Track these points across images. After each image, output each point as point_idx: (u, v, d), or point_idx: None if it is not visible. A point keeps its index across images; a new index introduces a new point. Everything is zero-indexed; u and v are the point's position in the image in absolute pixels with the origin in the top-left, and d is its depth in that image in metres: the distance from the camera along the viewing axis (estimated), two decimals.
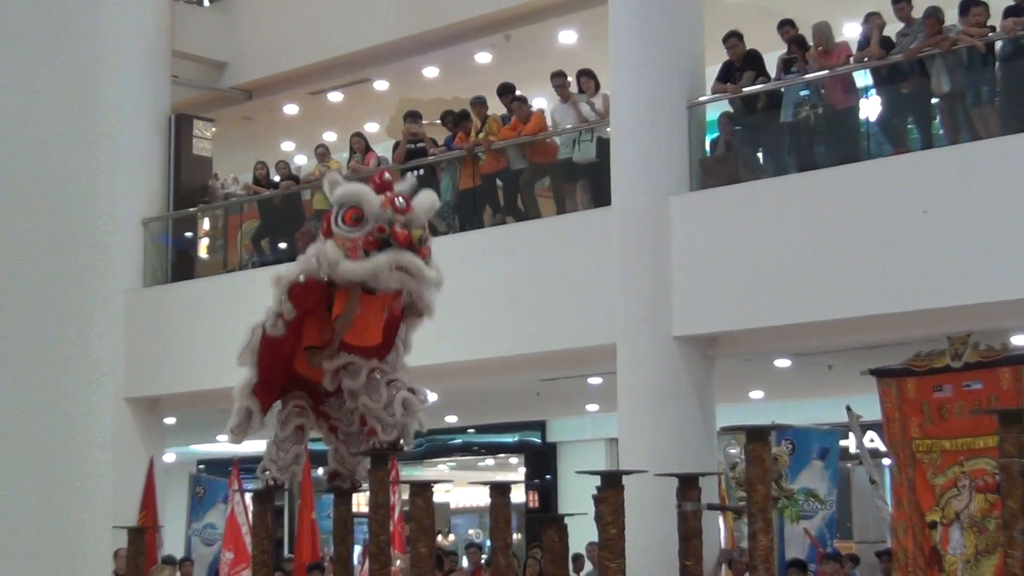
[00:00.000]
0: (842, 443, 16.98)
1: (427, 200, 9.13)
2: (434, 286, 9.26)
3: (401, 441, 9.53)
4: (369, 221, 8.70)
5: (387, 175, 9.16)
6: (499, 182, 17.30)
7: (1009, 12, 13.83)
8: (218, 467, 25.36)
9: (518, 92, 17.52)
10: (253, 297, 18.51)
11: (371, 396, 9.32)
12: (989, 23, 13.97)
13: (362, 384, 9.32)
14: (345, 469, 10.14)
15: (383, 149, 19.94)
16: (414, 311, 9.67)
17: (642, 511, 10.40)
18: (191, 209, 20.65)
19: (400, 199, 8.83)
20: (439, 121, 18.46)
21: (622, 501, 8.78)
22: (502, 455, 29.01)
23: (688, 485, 9.04)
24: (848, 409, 13.97)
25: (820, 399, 20.00)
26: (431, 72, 20.93)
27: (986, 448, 11.50)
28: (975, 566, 12.43)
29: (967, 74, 14.08)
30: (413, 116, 18.55)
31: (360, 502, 11.43)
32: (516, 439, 27.29)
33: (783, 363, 17.75)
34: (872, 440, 16.61)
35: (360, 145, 18.99)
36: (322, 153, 19.62)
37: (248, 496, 16.49)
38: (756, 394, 20.82)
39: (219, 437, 26.64)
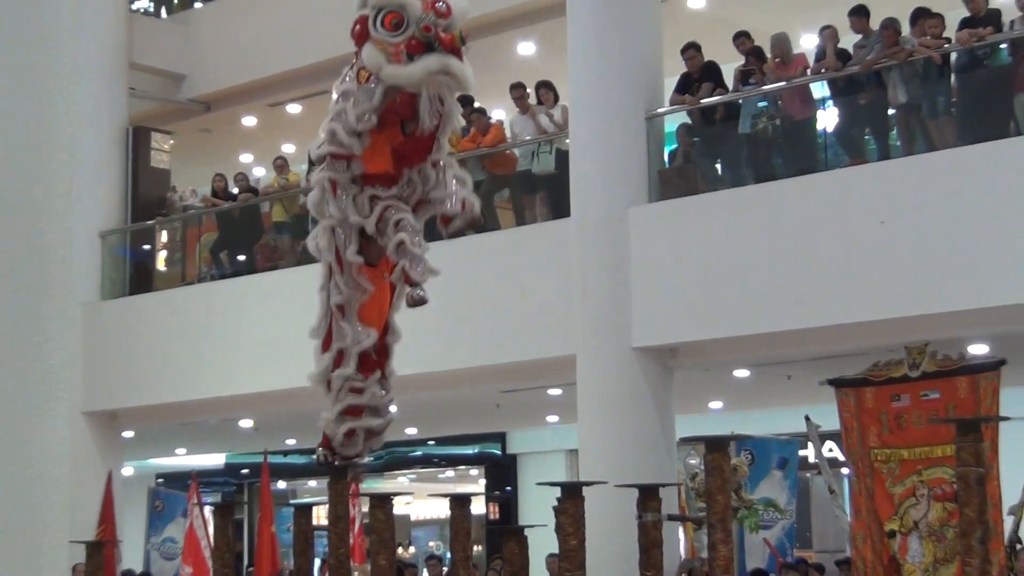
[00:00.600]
0: (801, 453, 17.03)
1: (462, 3, 8.67)
2: (470, 90, 8.98)
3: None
4: (411, 25, 8.33)
5: None
6: None
7: (964, 23, 13.94)
8: (177, 481, 25.23)
9: (477, 104, 17.52)
10: (211, 309, 18.68)
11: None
12: (945, 34, 14.07)
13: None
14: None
15: None
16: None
17: (602, 522, 10.40)
18: (149, 222, 20.54)
19: (441, 3, 8.41)
20: None
21: (582, 512, 8.79)
22: (462, 467, 28.98)
23: (648, 496, 9.04)
24: (807, 419, 14.01)
25: (779, 409, 20.04)
26: None
27: (944, 457, 11.55)
28: (934, 574, 12.49)
29: (923, 85, 14.17)
30: None
31: (320, 515, 11.40)
32: (476, 451, 27.27)
33: (742, 373, 17.80)
34: (831, 450, 16.66)
35: None
36: (281, 165, 19.58)
37: (207, 510, 16.46)
38: (715, 404, 20.87)
39: (178, 450, 26.60)
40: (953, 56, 14.01)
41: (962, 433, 7.11)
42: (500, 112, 18.25)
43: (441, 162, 9.10)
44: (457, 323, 16.13)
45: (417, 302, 9.10)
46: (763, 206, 14.43)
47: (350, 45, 20.58)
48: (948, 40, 14.00)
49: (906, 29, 14.29)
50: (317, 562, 13.53)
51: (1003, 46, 13.98)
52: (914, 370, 12.69)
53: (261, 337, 17.65)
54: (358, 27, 8.67)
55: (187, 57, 21.69)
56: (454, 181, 9.19)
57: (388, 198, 8.82)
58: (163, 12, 23.64)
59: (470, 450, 27.38)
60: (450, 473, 29.88)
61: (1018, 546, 12.68)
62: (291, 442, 26.28)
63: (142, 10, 23.30)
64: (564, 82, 15.98)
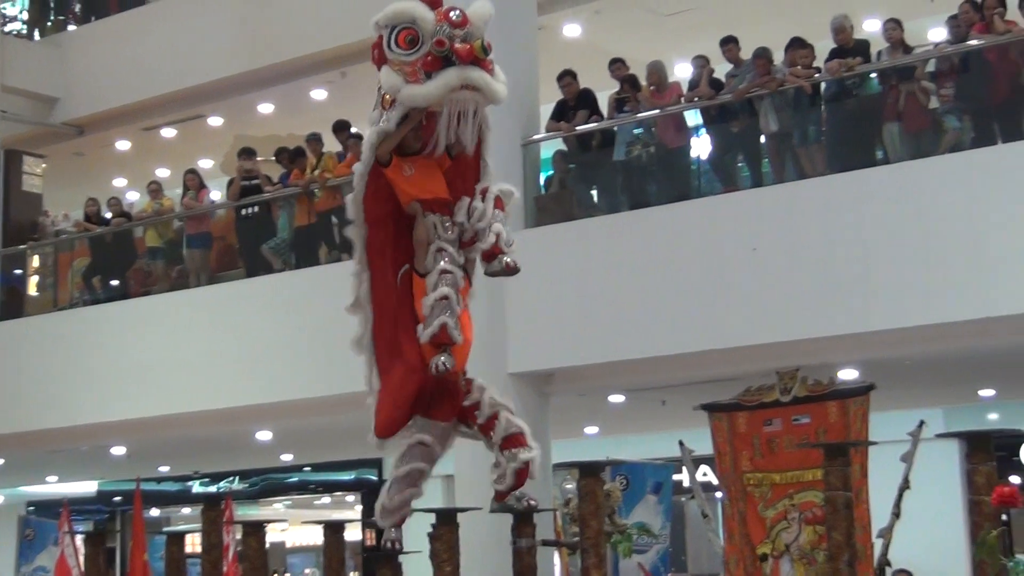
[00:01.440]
0: (675, 477, 17.13)
1: (482, 8, 8.15)
2: (501, 101, 8.23)
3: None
4: (426, 40, 7.74)
5: None
6: (335, 219, 17.24)
7: (834, 54, 14.17)
8: (48, 509, 24.83)
9: (354, 129, 17.49)
10: (84, 335, 18.44)
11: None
12: (815, 64, 14.29)
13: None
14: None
15: (217, 185, 19.78)
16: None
17: (477, 548, 10.39)
18: (21, 246, 20.30)
19: (455, 12, 7.88)
20: (274, 158, 18.34)
21: (457, 538, 8.79)
22: (339, 493, 28.79)
23: (523, 522, 9.06)
24: (681, 444, 14.11)
25: (654, 434, 20.14)
26: (266, 108, 20.83)
27: (815, 481, 11.66)
28: None
29: (794, 114, 14.39)
30: (247, 153, 18.44)
31: (193, 543, 11.29)
32: (353, 477, 27.14)
33: (617, 399, 17.89)
34: (705, 474, 16.83)
35: (194, 182, 18.80)
36: (155, 189, 19.40)
37: (79, 538, 16.22)
38: (591, 429, 20.96)
39: (49, 478, 26.17)
40: (823, 86, 14.24)
41: (830, 457, 7.22)
42: None
43: (488, 190, 8.60)
44: (336, 348, 15.92)
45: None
46: (638, 232, 14.54)
47: (225, 69, 20.54)
48: (818, 70, 14.23)
49: (779, 58, 14.50)
50: None
51: (872, 76, 14.24)
52: (785, 395, 12.85)
53: (134, 363, 17.46)
54: (376, 51, 8.08)
55: (60, 80, 21.45)
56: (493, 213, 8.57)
57: (446, 240, 8.29)
58: (36, 34, 23.35)
59: (346, 476, 27.24)
60: (326, 499, 29.69)
61: (888, 569, 12.84)
62: (164, 469, 26.01)
63: (14, 32, 23.02)
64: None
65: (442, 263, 8.19)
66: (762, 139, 14.72)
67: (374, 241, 8.50)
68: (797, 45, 14.41)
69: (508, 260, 8.48)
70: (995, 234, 12.46)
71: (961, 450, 7.34)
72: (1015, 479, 21.49)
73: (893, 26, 14.18)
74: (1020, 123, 13.39)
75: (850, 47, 14.24)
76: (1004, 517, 6.64)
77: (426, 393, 8.69)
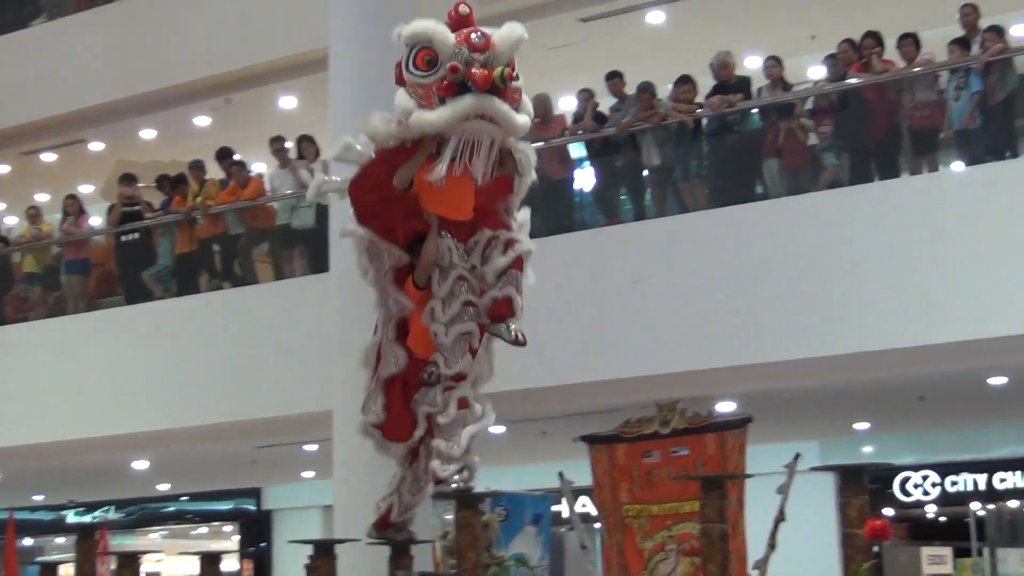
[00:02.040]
0: (555, 508, 17.15)
1: (510, 32, 7.72)
2: (521, 134, 7.87)
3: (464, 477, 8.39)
4: (444, 63, 7.34)
5: (463, 7, 7.69)
6: (216, 247, 17.13)
7: (715, 90, 14.32)
8: None
9: (237, 156, 17.40)
10: None
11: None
12: (697, 100, 14.43)
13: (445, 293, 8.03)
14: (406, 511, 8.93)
15: (98, 211, 19.56)
16: (507, 168, 8.19)
17: None
18: None
19: (477, 34, 7.44)
20: (155, 184, 18.17)
21: (335, 570, 8.77)
22: (216, 523, 28.56)
23: (400, 553, 9.06)
24: (560, 475, 14.14)
25: (534, 465, 20.21)
26: (148, 134, 20.64)
27: (692, 513, 11.74)
28: None
29: (676, 148, 14.51)
30: (128, 179, 18.26)
31: (67, 573, 11.13)
32: (231, 506, 26.93)
33: (498, 429, 17.87)
34: (584, 505, 16.84)
35: (74, 207, 18.58)
36: (33, 214, 19.13)
37: None
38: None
39: None
40: (705, 121, 14.38)
41: (706, 490, 7.29)
42: (260, 165, 18.14)
43: (511, 244, 8.32)
44: (214, 377, 15.94)
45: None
46: None
47: (107, 94, 20.27)
48: (700, 105, 14.37)
49: (663, 93, 14.63)
50: None
51: (752, 112, 14.41)
52: (664, 427, 12.94)
53: (9, 390, 17.18)
54: (397, 69, 7.74)
55: None
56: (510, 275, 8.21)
57: (463, 268, 8.08)
58: None
59: (224, 506, 27.03)
60: (203, 529, 29.43)
61: None
62: (38, 498, 25.63)
63: None
64: (326, 136, 15.94)
65: (465, 294, 8.07)
66: (644, 173, 14.84)
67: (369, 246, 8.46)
68: (680, 81, 14.56)
69: (516, 331, 8.35)
70: (871, 270, 12.64)
71: (835, 483, 7.41)
72: (888, 512, 21.81)
73: (773, 63, 14.38)
74: (897, 161, 13.64)
75: (731, 83, 14.41)
76: (875, 549, 6.73)
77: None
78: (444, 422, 8.35)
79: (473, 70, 7.26)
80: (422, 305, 8.14)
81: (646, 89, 14.62)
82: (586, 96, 15.34)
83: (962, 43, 13.51)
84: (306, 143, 16.68)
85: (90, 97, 19.33)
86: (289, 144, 16.84)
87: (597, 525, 14.78)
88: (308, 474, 22.74)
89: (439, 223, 7.88)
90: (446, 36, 7.39)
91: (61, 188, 20.58)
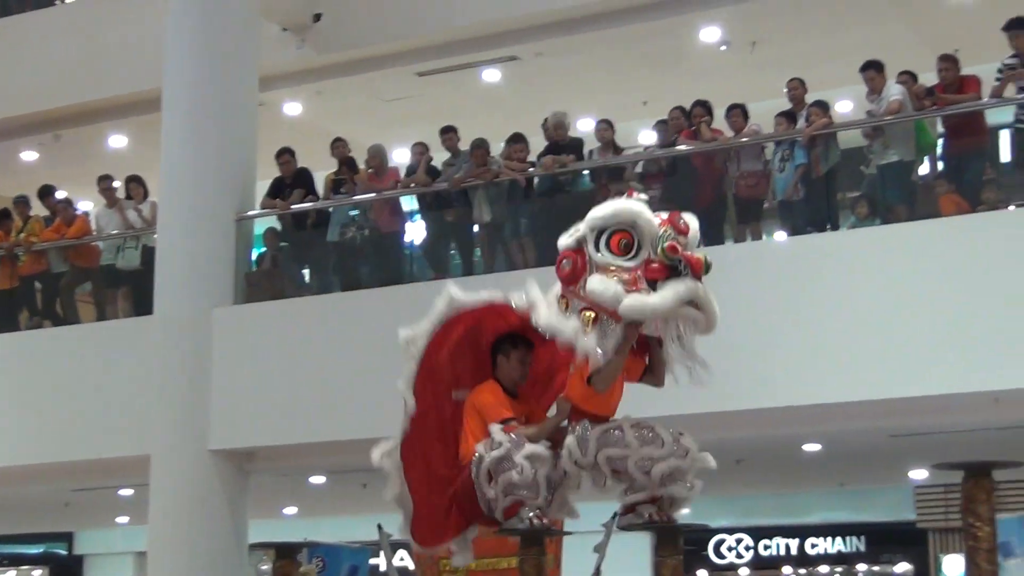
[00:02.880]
0: (372, 561, 17.10)
1: (695, 221, 7.01)
2: (713, 330, 7.14)
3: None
4: (645, 246, 6.71)
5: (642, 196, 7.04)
6: (38, 284, 16.86)
7: (548, 150, 14.46)
8: None
9: (61, 194, 17.19)
10: None
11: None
12: (529, 159, 14.55)
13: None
14: None
15: None
16: (652, 378, 7.43)
17: None
18: None
19: (681, 219, 6.85)
20: None
21: None
22: (25, 567, 27.88)
23: None
24: (379, 527, 14.05)
25: (354, 516, 20.07)
26: None
27: (510, 569, 11.76)
28: None
29: (508, 206, 14.59)
30: None
31: None
32: (41, 550, 26.36)
33: (318, 479, 17.81)
34: (402, 559, 16.78)
35: None
36: None
37: None
38: (290, 510, 20.79)
39: None
40: (536, 180, 14.49)
41: (525, 546, 7.32)
42: (87, 203, 17.90)
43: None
44: (29, 417, 15.66)
45: None
46: (348, 314, 14.54)
47: None
48: (533, 164, 14.49)
49: (496, 150, 14.73)
50: None
51: (584, 173, 14.57)
52: None
53: None
54: (567, 263, 6.87)
55: None
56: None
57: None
58: None
59: (34, 549, 26.45)
60: (12, 573, 28.72)
61: None
62: None
63: None
64: (155, 177, 15.81)
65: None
66: (475, 228, 14.90)
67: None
68: (513, 139, 14.68)
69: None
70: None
71: (651, 543, 7.51)
72: (701, 574, 22.06)
73: (605, 126, 14.56)
74: (722, 228, 13.84)
75: (564, 144, 14.56)
76: None
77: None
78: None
79: (688, 253, 6.68)
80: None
81: (480, 145, 14.69)
82: (420, 150, 15.39)
83: (788, 116, 13.82)
84: (134, 183, 16.53)
85: None
86: (117, 183, 16.65)
87: None
88: (123, 519, 22.37)
89: (575, 413, 7.08)
90: (652, 217, 6.77)
91: None
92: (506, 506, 6.96)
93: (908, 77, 13.39)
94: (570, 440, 6.91)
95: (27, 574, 27.94)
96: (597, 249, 6.73)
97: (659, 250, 6.59)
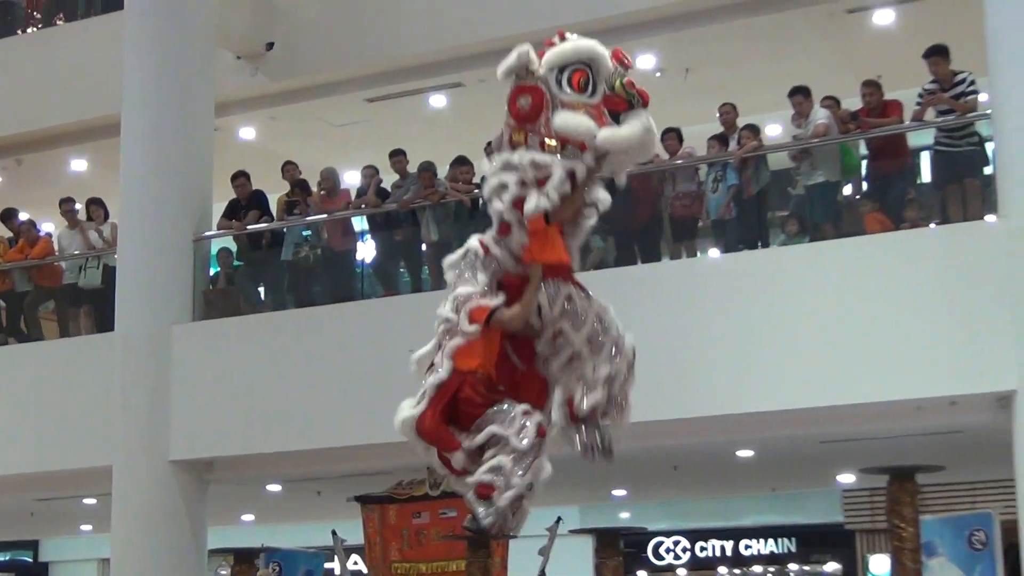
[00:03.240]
0: (327, 565, 17.06)
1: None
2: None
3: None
4: (601, 82, 6.64)
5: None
6: (2, 303, 16.76)
7: None
8: None
9: (27, 216, 17.09)
10: None
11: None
12: (474, 180, 14.57)
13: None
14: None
15: None
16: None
17: None
18: None
19: (626, 55, 6.72)
20: None
21: None
22: None
23: None
24: (333, 534, 14.09)
25: (309, 523, 20.03)
26: None
27: (458, 572, 11.81)
28: None
29: (454, 225, 14.60)
30: None
31: None
32: (7, 558, 26.13)
33: (274, 488, 17.73)
34: (356, 563, 16.78)
35: None
36: None
37: None
38: (248, 517, 20.68)
39: None
40: (481, 200, 14.49)
41: (473, 550, 7.35)
42: (49, 225, 17.79)
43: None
44: None
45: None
46: (301, 330, 14.52)
47: None
48: (478, 186, 14.50)
49: (443, 173, 14.74)
50: None
51: None
52: (435, 489, 12.98)
53: None
54: (529, 98, 6.76)
55: None
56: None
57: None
58: None
59: (0, 557, 26.21)
60: None
61: None
62: None
63: None
64: (115, 200, 15.74)
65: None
66: (423, 247, 14.90)
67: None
68: (458, 162, 14.70)
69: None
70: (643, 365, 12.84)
71: (593, 545, 7.52)
72: (641, 574, 22.09)
73: None
74: (659, 245, 13.91)
75: None
76: None
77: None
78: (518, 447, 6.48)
79: (638, 87, 6.61)
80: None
81: (427, 168, 14.72)
82: (370, 172, 15.38)
83: (721, 139, 13.90)
84: (94, 206, 16.49)
85: None
86: (79, 206, 16.58)
87: None
88: (86, 527, 22.21)
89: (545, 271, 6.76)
90: (606, 53, 6.67)
91: None
92: (480, 480, 6.57)
93: (832, 102, 13.49)
94: (540, 295, 6.60)
95: None
96: (560, 86, 6.64)
97: (616, 85, 6.56)
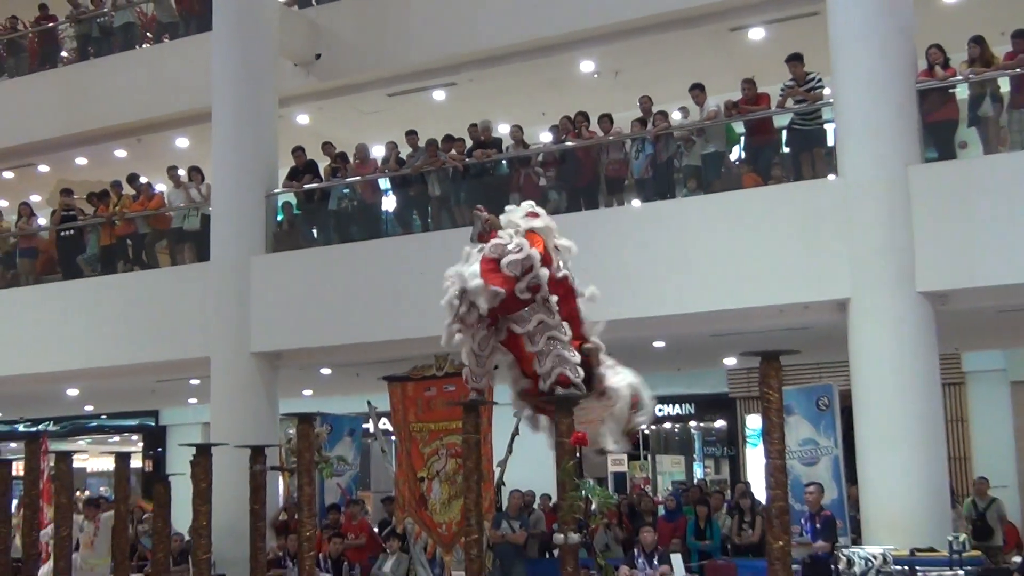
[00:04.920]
0: (364, 426, 17.15)
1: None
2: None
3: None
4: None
5: None
6: (129, 241, 16.69)
7: (477, 145, 14.43)
8: None
9: (143, 179, 17.04)
10: None
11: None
12: (465, 152, 14.53)
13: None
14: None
15: (44, 214, 18.85)
16: None
17: (226, 472, 10.18)
18: None
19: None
20: (86, 197, 17.62)
21: (211, 465, 8.62)
22: (126, 433, 27.71)
23: (257, 453, 8.96)
24: (368, 403, 14.11)
25: (351, 396, 20.08)
26: (81, 161, 19.94)
27: (457, 428, 11.79)
28: (448, 507, 12.79)
29: (451, 184, 14.58)
30: (67, 192, 17.71)
31: (19, 468, 10.75)
32: (137, 422, 26.19)
33: (326, 371, 17.80)
34: (384, 423, 16.83)
35: (26, 211, 17.95)
36: None
37: None
38: (307, 392, 20.77)
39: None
40: (470, 166, 14.46)
41: (467, 412, 7.38)
42: (161, 186, 17.70)
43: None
44: (127, 331, 15.57)
45: None
46: (343, 259, 14.53)
47: (51, 131, 19.33)
48: (468, 156, 14.47)
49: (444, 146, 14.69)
50: (15, 502, 12.64)
51: (503, 162, 14.55)
52: (439, 371, 12.97)
53: None
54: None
55: None
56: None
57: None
58: None
59: (132, 422, 26.27)
60: (116, 438, 28.54)
61: (503, 487, 13.11)
62: None
63: None
64: (209, 167, 15.66)
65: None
66: (430, 200, 14.87)
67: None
68: (449, 139, 14.66)
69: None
70: (578, 271, 12.89)
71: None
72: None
73: (516, 129, 14.58)
74: (597, 198, 13.90)
75: (488, 142, 14.54)
76: (578, 454, 6.87)
77: None
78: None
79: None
80: None
81: (431, 144, 14.68)
82: (391, 146, 15.33)
83: (641, 122, 13.87)
84: (194, 171, 16.37)
85: (39, 133, 18.62)
86: (182, 172, 16.48)
87: (393, 438, 14.82)
88: (193, 400, 22.27)
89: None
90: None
91: (17, 198, 19.78)
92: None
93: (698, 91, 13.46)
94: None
95: (127, 439, 27.73)
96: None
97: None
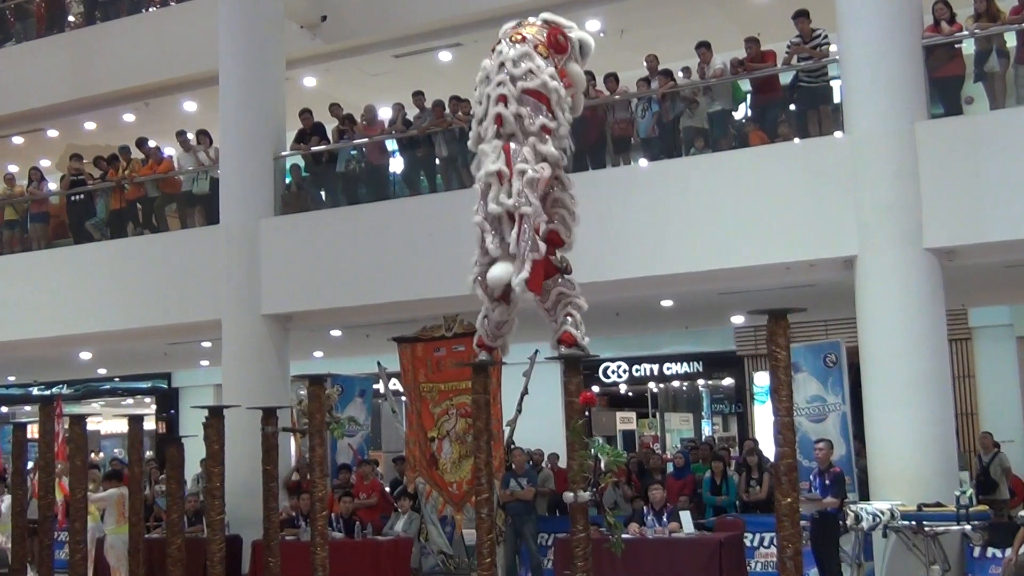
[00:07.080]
0: (375, 386, 17.19)
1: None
2: None
3: None
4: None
5: None
6: (139, 205, 16.68)
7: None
8: None
9: (154, 143, 16.99)
10: None
11: None
12: (471, 113, 14.40)
13: None
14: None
15: (54, 179, 18.85)
16: None
17: (238, 434, 10.25)
18: None
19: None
20: (95, 161, 17.59)
21: (223, 426, 8.66)
22: (139, 396, 27.86)
23: (269, 414, 9.00)
24: (378, 364, 14.16)
25: (361, 357, 20.09)
26: (90, 125, 19.90)
27: (467, 389, 11.84)
28: (459, 466, 12.87)
29: (458, 145, 14.52)
30: (76, 156, 17.74)
31: (33, 431, 10.80)
32: (149, 385, 26.31)
33: (336, 333, 17.82)
34: (394, 384, 16.89)
35: (36, 175, 17.97)
36: (9, 180, 18.46)
37: None
38: (318, 354, 20.81)
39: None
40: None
41: (476, 373, 7.38)
42: (170, 149, 17.67)
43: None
44: (138, 294, 15.61)
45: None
46: (351, 221, 14.51)
47: (60, 96, 19.27)
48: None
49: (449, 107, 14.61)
50: (30, 464, 12.74)
51: None
52: (449, 332, 13.02)
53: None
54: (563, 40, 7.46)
55: None
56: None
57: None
58: None
59: (145, 384, 26.39)
60: (130, 400, 28.68)
61: (512, 446, 13.17)
62: (11, 378, 24.77)
63: None
64: (216, 130, 15.62)
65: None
66: (437, 161, 14.83)
67: None
68: (456, 99, 14.58)
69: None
70: (587, 227, 12.84)
71: (561, 369, 7.56)
72: (594, 388, 22.29)
73: None
74: (604, 157, 13.84)
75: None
76: (587, 413, 6.88)
77: None
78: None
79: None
80: None
81: (438, 105, 14.62)
82: (398, 108, 15.27)
83: (646, 81, 13.77)
84: (202, 135, 16.33)
85: (48, 98, 18.59)
86: (190, 135, 16.45)
87: (403, 398, 14.86)
88: (204, 362, 22.34)
89: None
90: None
91: (27, 162, 19.78)
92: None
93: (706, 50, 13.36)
94: None
95: (140, 401, 27.87)
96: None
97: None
